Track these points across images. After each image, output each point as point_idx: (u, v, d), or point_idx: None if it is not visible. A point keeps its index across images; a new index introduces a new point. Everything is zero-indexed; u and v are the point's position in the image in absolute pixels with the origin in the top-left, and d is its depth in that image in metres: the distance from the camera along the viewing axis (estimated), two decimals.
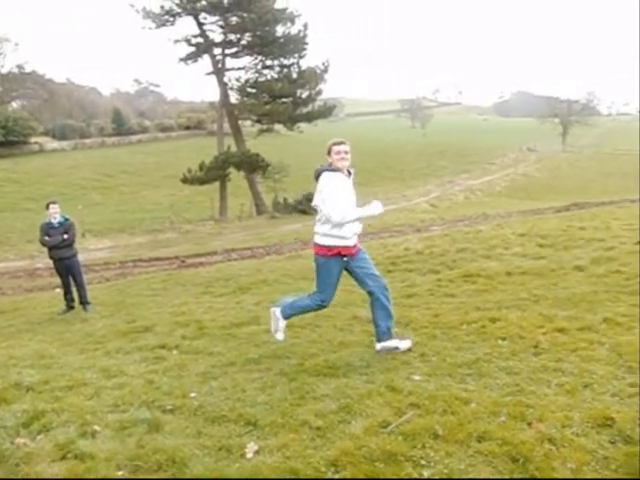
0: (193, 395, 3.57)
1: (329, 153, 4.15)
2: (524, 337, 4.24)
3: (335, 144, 4.15)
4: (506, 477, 2.44)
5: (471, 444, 2.70)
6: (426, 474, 2.50)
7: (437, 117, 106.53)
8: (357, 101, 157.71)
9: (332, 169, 4.12)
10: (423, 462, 2.58)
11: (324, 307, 4.30)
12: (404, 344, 4.20)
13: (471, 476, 2.46)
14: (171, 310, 6.74)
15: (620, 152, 53.18)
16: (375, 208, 4.15)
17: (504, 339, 4.24)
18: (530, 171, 43.47)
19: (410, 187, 35.74)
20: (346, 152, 4.13)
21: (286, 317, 4.36)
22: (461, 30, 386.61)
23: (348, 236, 4.07)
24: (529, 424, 2.85)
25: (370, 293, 4.22)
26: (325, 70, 28.77)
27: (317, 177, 4.17)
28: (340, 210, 3.95)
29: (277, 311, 4.35)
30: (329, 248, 4.06)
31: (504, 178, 40.08)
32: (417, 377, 3.61)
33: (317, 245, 4.16)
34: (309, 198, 26.95)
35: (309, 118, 29.21)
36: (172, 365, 4.31)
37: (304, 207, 26.29)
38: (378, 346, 4.20)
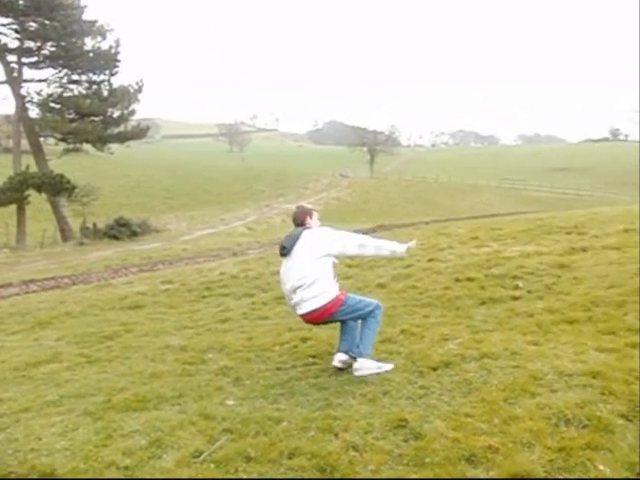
0: None
1: (311, 217, 4.29)
2: (333, 353, 4.49)
3: (316, 211, 4.40)
4: None
5: (283, 462, 2.78)
6: None
7: (255, 142, 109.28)
8: (174, 123, 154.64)
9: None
10: None
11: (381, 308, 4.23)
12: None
13: None
14: None
15: (417, 179, 59.60)
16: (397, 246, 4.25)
17: (314, 357, 4.46)
18: (342, 195, 46.44)
19: (228, 211, 35.85)
20: None
21: (368, 352, 4.05)
22: (278, 58, 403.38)
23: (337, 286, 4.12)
24: (336, 435, 3.02)
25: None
26: (139, 90, 27.65)
27: (294, 240, 4.11)
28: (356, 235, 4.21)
29: (363, 363, 3.98)
30: (336, 299, 4.01)
31: (318, 202, 42.22)
32: (231, 402, 3.61)
33: (322, 309, 4.00)
34: (121, 223, 25.52)
35: (121, 139, 27.72)
36: None
37: (115, 232, 24.77)
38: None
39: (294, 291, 4.05)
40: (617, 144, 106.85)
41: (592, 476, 2.47)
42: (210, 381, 4.08)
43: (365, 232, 20.52)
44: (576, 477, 2.48)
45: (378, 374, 3.91)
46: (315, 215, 4.34)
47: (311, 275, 3.97)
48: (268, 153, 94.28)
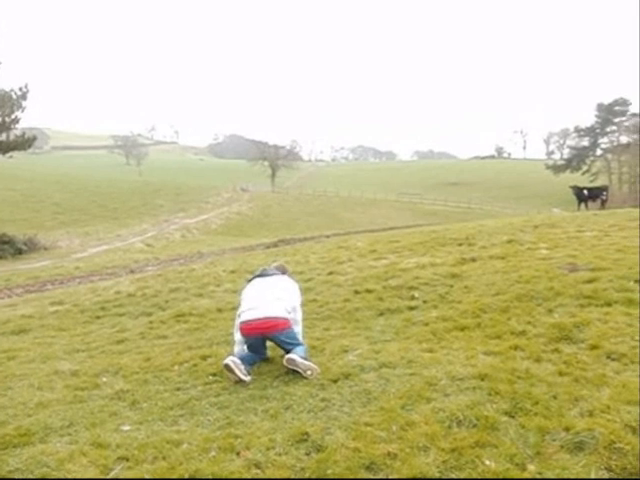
0: None
1: (286, 273, 5.13)
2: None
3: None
4: None
5: None
6: None
7: (153, 155, 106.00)
8: (65, 134, 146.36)
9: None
10: None
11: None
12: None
13: None
14: None
15: (318, 193, 60.60)
16: None
17: (215, 375, 4.36)
18: (243, 210, 46.05)
19: (125, 226, 34.27)
20: None
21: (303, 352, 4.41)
22: (177, 69, 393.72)
23: None
24: (238, 454, 2.98)
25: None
26: (23, 96, 25.69)
27: (276, 272, 4.95)
28: None
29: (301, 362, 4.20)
30: (290, 321, 4.55)
31: (219, 216, 41.64)
32: (126, 427, 3.44)
33: (278, 319, 4.46)
34: (4, 240, 23.58)
35: (3, 149, 25.54)
36: None
37: None
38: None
39: (259, 299, 4.54)
40: (501, 161, 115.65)
41: (479, 471, 2.63)
42: (104, 407, 3.86)
43: (267, 246, 20.57)
44: (466, 474, 2.62)
45: (304, 371, 4.13)
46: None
47: (280, 293, 4.61)
48: (167, 167, 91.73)
